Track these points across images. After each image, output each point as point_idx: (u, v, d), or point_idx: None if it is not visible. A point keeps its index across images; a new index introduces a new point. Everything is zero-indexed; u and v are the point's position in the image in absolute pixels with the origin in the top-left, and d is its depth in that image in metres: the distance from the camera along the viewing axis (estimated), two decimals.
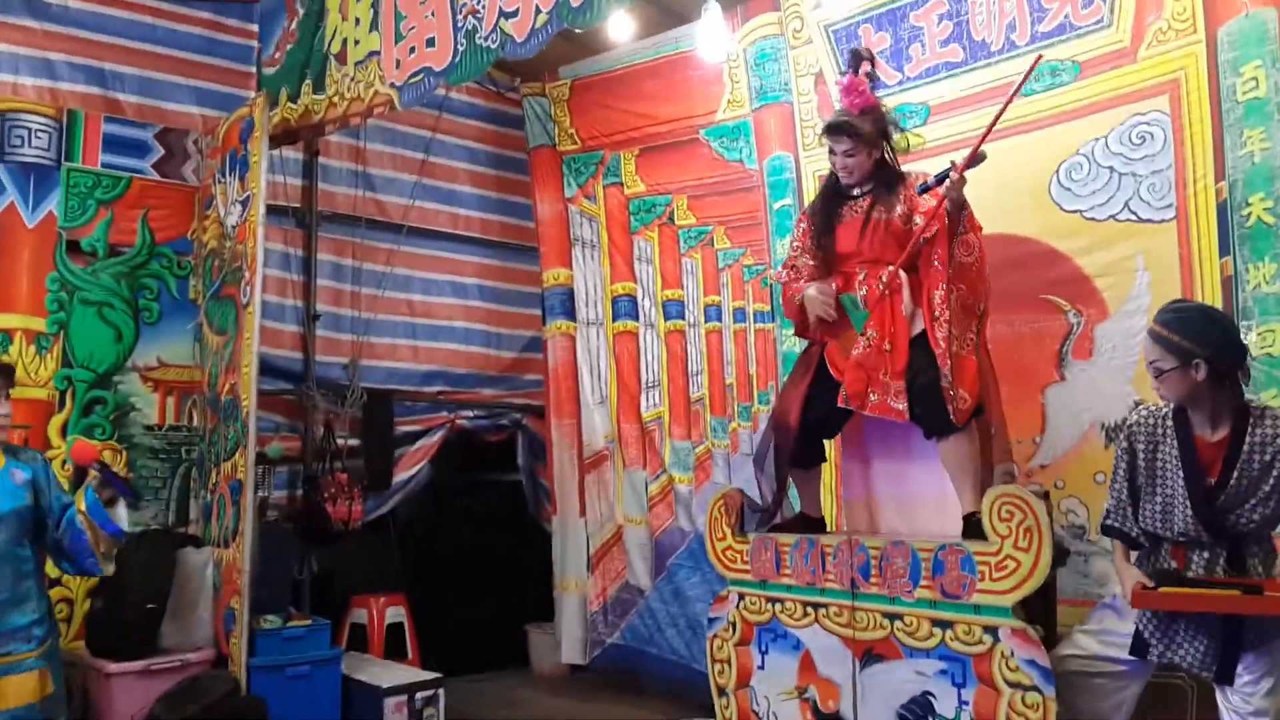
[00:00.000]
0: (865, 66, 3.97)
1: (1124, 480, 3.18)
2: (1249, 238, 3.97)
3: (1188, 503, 2.95)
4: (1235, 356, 2.85)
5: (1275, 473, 2.76)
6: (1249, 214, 3.96)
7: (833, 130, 3.92)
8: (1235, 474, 2.83)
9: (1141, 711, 3.74)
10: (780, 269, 4.18)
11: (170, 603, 5.18)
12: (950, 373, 3.54)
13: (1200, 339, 2.83)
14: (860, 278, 3.83)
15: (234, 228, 5.52)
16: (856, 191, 3.94)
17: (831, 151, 3.95)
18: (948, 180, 3.61)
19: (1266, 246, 3.92)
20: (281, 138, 5.76)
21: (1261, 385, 3.89)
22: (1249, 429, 2.83)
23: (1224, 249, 4.07)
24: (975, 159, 3.60)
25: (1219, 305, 4.05)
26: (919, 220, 3.71)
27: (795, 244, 4.11)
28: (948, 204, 3.62)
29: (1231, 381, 2.86)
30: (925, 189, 3.71)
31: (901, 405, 3.61)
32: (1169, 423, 3.03)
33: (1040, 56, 3.83)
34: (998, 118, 3.62)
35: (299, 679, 5.03)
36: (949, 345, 3.56)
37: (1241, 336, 2.99)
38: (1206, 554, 2.99)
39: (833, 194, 4.03)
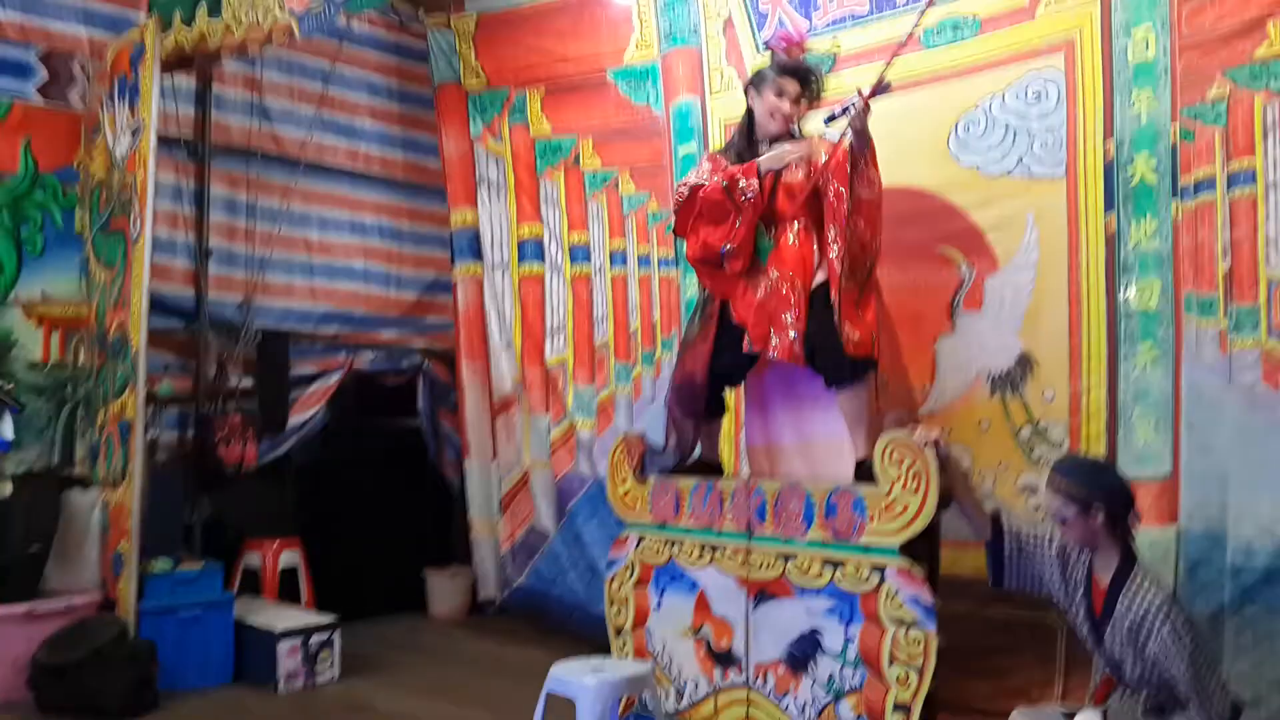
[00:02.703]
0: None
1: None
2: (1132, 196, 4.12)
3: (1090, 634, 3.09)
4: (1125, 500, 3.00)
5: (1141, 641, 2.86)
6: (1134, 173, 4.11)
7: (793, 72, 3.97)
8: (1110, 628, 2.97)
9: (1016, 647, 3.96)
10: (680, 185, 4.09)
11: (55, 545, 5.07)
12: (840, 306, 3.64)
13: (1094, 485, 2.98)
14: (770, 232, 3.88)
15: (123, 158, 5.31)
16: (764, 147, 3.98)
17: (774, 93, 3.96)
18: (852, 109, 3.65)
19: (1148, 205, 4.08)
20: (174, 64, 5.52)
21: (1137, 338, 4.07)
22: (1125, 585, 2.94)
23: (1109, 206, 4.22)
24: (880, 88, 3.65)
25: (1101, 261, 4.23)
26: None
27: (702, 170, 4.04)
28: (850, 133, 3.66)
29: (1123, 528, 2.98)
30: (831, 118, 3.74)
31: (801, 349, 3.69)
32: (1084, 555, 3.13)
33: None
34: (902, 45, 3.70)
35: (190, 623, 4.96)
36: (843, 285, 3.65)
37: (1128, 483, 3.11)
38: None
39: (744, 146, 4.06)
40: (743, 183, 3.79)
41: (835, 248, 3.74)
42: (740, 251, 3.84)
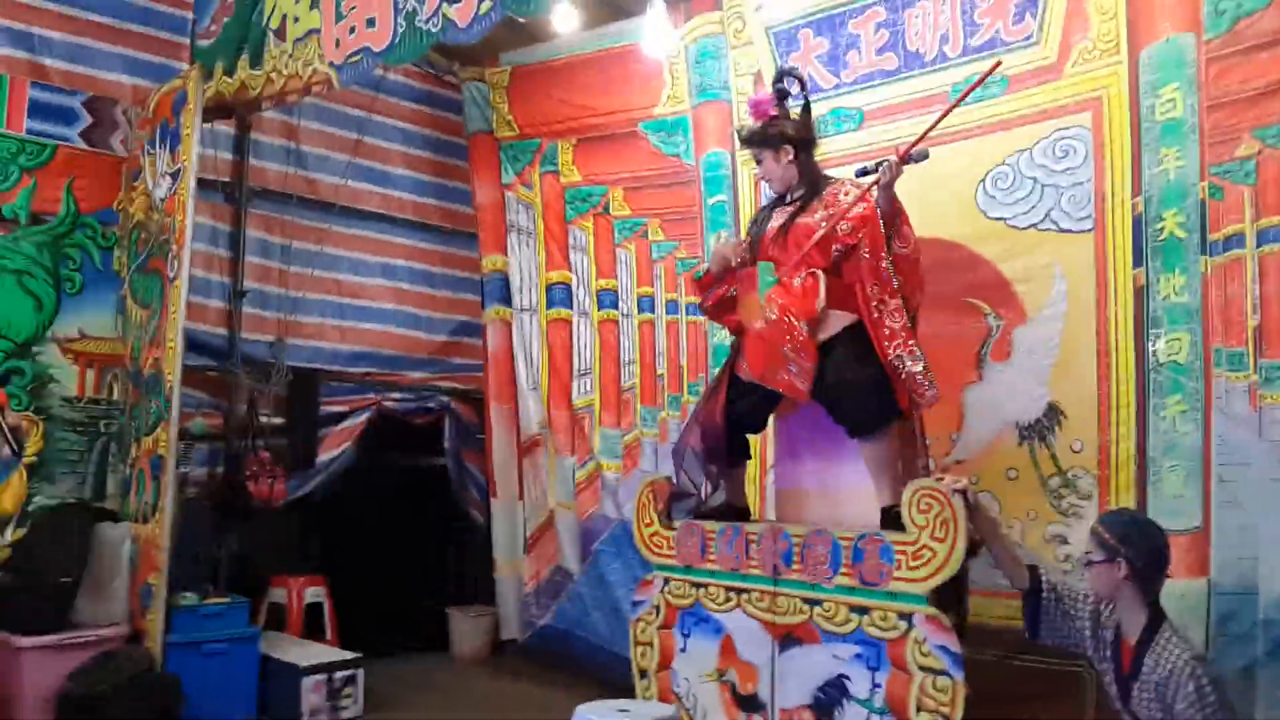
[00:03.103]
0: (784, 82, 4.10)
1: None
2: (1161, 250, 4.17)
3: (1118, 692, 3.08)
4: (1156, 562, 2.99)
5: (1168, 700, 2.84)
6: (1162, 228, 4.16)
7: (742, 142, 4.12)
8: (1137, 686, 2.96)
9: (1045, 697, 3.93)
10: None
11: (85, 577, 5.09)
12: (905, 344, 3.68)
13: (1124, 539, 2.98)
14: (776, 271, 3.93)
15: (162, 200, 5.43)
16: (787, 198, 4.04)
17: (756, 162, 4.11)
18: (884, 165, 3.69)
19: (1177, 259, 4.12)
20: (214, 111, 5.67)
21: (1167, 391, 4.09)
22: (1152, 642, 2.94)
23: (1137, 260, 4.26)
24: (914, 154, 3.68)
25: (1130, 313, 4.26)
26: (844, 226, 3.80)
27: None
28: (878, 191, 3.70)
29: (1148, 587, 2.98)
30: (864, 172, 3.79)
31: (804, 385, 3.69)
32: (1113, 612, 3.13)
33: (999, 62, 3.93)
34: (946, 113, 3.72)
35: (216, 656, 4.98)
36: (901, 333, 3.69)
37: (1167, 548, 3.08)
38: None
39: (769, 203, 4.14)
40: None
41: (882, 302, 3.75)
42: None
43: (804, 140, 4.05)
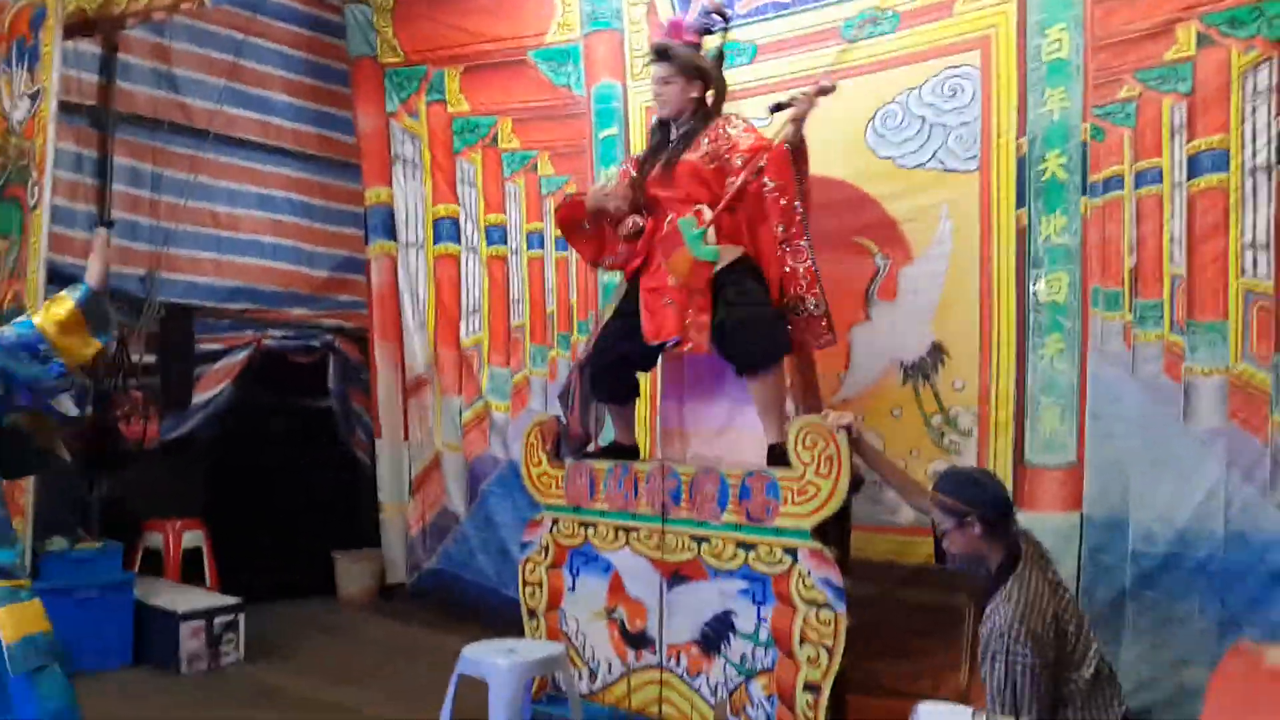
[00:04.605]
0: (710, 19, 4.02)
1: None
2: (1044, 191, 4.24)
3: None
4: (1002, 508, 2.99)
5: (984, 660, 2.82)
6: (1045, 169, 4.23)
7: (654, 53, 3.97)
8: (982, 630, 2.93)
9: (925, 630, 4.04)
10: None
11: None
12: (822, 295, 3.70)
13: (967, 498, 2.97)
14: (669, 218, 3.87)
15: (20, 123, 5.14)
16: (673, 132, 3.98)
17: (652, 80, 4.00)
18: (797, 98, 3.67)
19: (1059, 200, 4.20)
20: (76, 29, 5.33)
21: (1045, 330, 4.19)
22: (999, 590, 2.89)
23: (1020, 201, 4.33)
24: (826, 85, 3.67)
25: (1013, 255, 4.33)
26: (738, 161, 3.76)
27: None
28: (790, 126, 3.66)
29: (1003, 535, 2.97)
30: (778, 107, 3.75)
31: (702, 337, 3.69)
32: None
33: None
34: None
35: (87, 603, 4.81)
36: (810, 276, 3.73)
37: (1007, 492, 3.12)
38: None
39: (657, 141, 4.06)
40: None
41: (791, 242, 3.74)
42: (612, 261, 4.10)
43: (713, 81, 3.99)
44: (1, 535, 3.08)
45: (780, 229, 3.75)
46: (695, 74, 3.94)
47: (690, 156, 3.85)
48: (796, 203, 3.74)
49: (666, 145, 3.99)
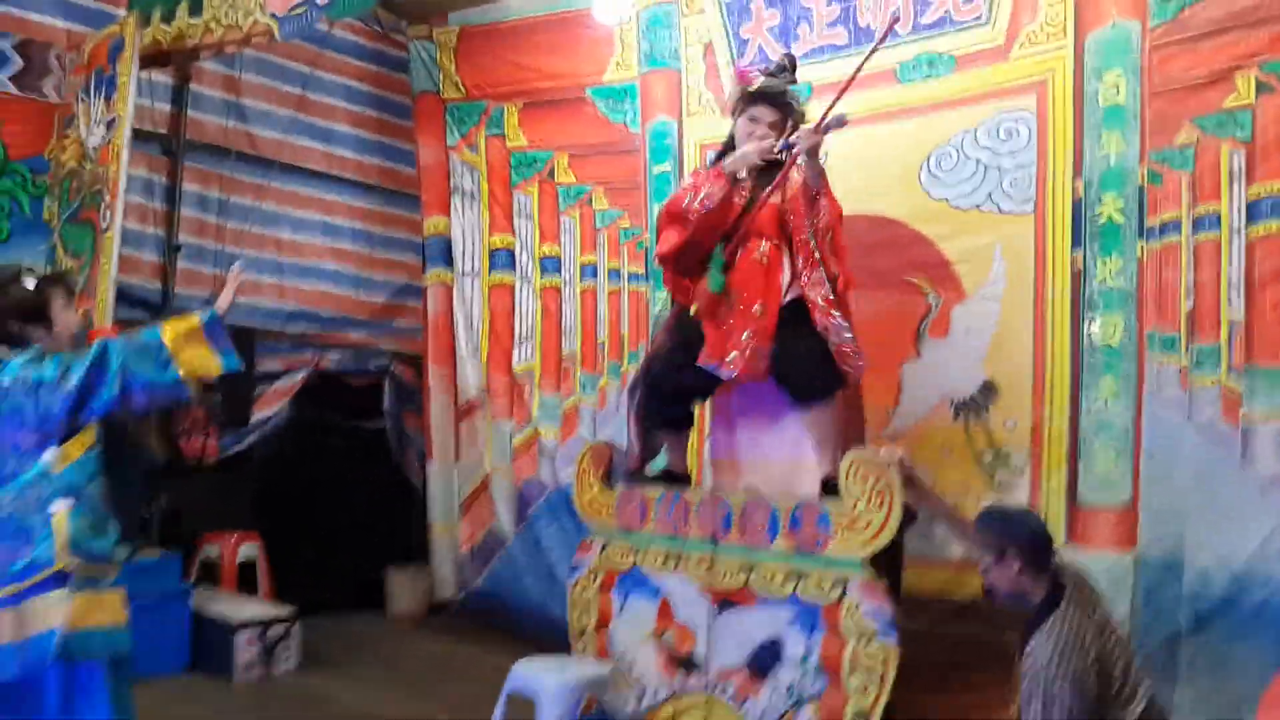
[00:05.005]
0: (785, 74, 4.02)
1: None
2: (1100, 234, 4.26)
3: None
4: (1041, 544, 3.01)
5: (1027, 698, 2.85)
6: (1101, 212, 4.25)
7: (768, 96, 3.91)
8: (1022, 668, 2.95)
9: (975, 666, 4.01)
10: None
11: None
12: (847, 327, 3.70)
13: (1006, 534, 3.00)
14: (755, 251, 3.91)
15: (96, 149, 5.32)
16: (743, 175, 3.93)
17: (752, 119, 3.91)
18: (799, 135, 3.69)
19: (1114, 244, 4.21)
20: (151, 60, 5.55)
21: (1100, 372, 4.20)
22: (1040, 627, 2.89)
23: (1076, 243, 4.35)
24: (830, 122, 3.65)
25: (1067, 296, 4.35)
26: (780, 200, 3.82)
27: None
28: (804, 161, 3.70)
29: (1044, 573, 2.97)
30: (788, 147, 3.77)
31: (762, 365, 3.73)
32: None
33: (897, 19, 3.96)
34: (856, 73, 3.68)
35: (146, 611, 4.81)
36: (837, 304, 3.71)
37: (1045, 529, 3.09)
38: None
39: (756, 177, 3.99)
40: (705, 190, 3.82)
41: (808, 274, 3.79)
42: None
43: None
44: (98, 524, 3.19)
45: (801, 260, 3.79)
46: (792, 113, 3.95)
47: (774, 200, 3.86)
48: (807, 236, 3.77)
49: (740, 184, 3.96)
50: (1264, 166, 3.89)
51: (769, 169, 3.87)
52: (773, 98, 3.92)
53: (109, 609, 3.18)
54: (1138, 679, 2.81)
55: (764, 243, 3.86)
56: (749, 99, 3.96)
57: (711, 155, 4.27)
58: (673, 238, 3.91)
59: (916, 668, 3.55)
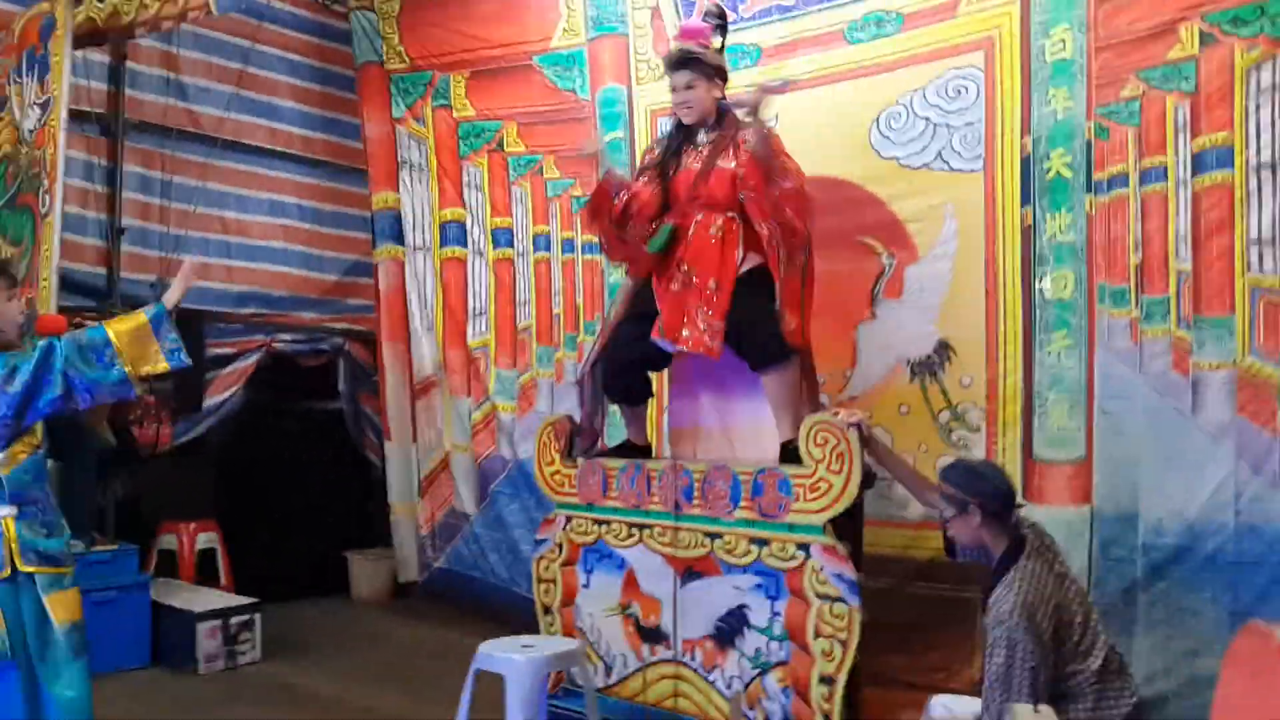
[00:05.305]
0: (714, 21, 4.03)
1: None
2: (1048, 190, 4.28)
3: None
4: (1004, 498, 3.03)
5: (988, 647, 2.87)
6: (1050, 168, 4.27)
7: (674, 62, 3.92)
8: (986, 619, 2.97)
9: (938, 623, 4.07)
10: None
11: None
12: (782, 294, 3.69)
13: (968, 488, 3.02)
14: (697, 218, 3.89)
15: (31, 132, 5.22)
16: (700, 136, 3.94)
17: (673, 89, 3.94)
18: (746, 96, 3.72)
19: (1063, 199, 4.24)
20: (86, 38, 5.42)
21: (1052, 327, 4.23)
22: (1002, 579, 2.92)
23: (1025, 199, 4.37)
24: (778, 86, 3.72)
25: (1018, 252, 4.37)
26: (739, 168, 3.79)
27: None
28: (753, 131, 3.69)
29: (1005, 526, 3.01)
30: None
31: (715, 342, 3.72)
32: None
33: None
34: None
35: (105, 605, 4.84)
36: (783, 274, 3.70)
37: (1009, 483, 3.12)
38: None
39: (678, 143, 4.02)
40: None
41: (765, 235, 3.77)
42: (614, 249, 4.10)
43: (725, 79, 4.00)
44: (52, 526, 3.22)
45: (760, 224, 3.78)
46: (718, 76, 3.94)
47: (725, 164, 3.84)
48: (767, 208, 3.74)
49: (690, 148, 3.96)
50: (1208, 118, 3.90)
51: (728, 134, 3.86)
52: (680, 62, 3.89)
53: (74, 605, 3.27)
54: (1097, 631, 2.85)
55: (719, 217, 3.84)
56: (668, 68, 3.98)
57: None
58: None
59: (881, 627, 3.59)
